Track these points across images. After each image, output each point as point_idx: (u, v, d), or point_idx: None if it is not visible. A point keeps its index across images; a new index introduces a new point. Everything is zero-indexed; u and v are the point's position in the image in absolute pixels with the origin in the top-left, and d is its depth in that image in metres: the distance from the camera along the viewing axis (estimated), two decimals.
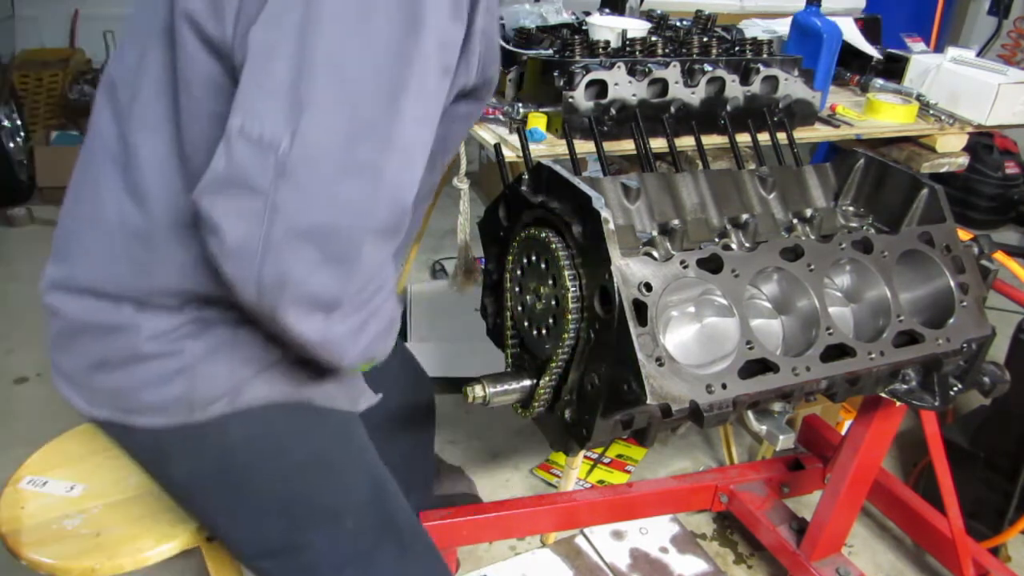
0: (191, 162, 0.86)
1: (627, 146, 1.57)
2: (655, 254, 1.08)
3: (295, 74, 0.74)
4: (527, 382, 1.19)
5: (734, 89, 1.64)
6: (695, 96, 1.61)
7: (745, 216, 1.18)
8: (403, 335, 2.46)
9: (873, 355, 1.14)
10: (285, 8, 0.75)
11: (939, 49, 2.64)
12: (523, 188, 1.19)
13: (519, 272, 1.20)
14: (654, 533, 1.97)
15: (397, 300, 0.97)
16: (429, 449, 1.74)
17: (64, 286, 0.96)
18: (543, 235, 1.11)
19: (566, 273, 1.06)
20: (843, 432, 2.01)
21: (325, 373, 1.02)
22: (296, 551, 1.07)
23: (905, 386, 1.26)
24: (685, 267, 1.05)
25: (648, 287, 1.00)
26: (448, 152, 1.08)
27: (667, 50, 1.68)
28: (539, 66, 1.60)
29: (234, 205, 0.74)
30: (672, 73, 1.58)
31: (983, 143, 3.67)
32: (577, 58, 1.58)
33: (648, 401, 0.96)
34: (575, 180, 1.08)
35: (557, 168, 1.13)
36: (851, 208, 1.39)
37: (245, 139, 0.74)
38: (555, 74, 1.55)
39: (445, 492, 1.91)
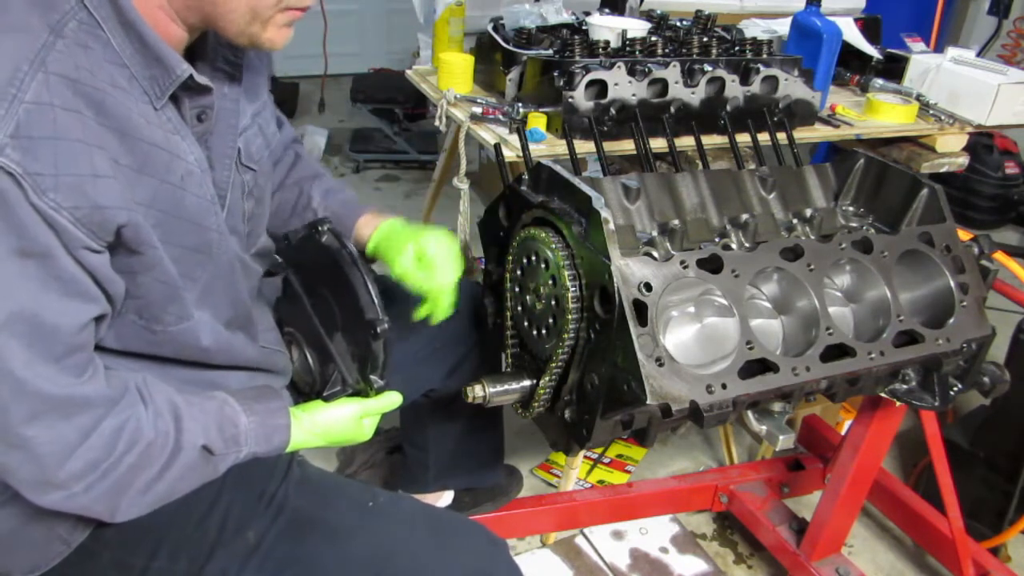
0: None
1: (627, 146, 1.57)
2: (655, 254, 1.08)
3: None
4: (527, 382, 1.19)
5: (734, 89, 1.64)
6: (695, 96, 1.61)
7: (745, 216, 1.18)
8: None
9: (873, 355, 1.14)
10: None
11: (939, 49, 2.65)
12: (523, 188, 1.19)
13: (519, 272, 1.20)
14: (654, 533, 1.97)
15: (176, 448, 0.93)
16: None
17: None
18: (543, 235, 1.11)
19: (566, 273, 1.06)
20: (843, 432, 2.01)
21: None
22: None
23: (905, 386, 1.26)
24: (685, 267, 1.05)
25: (648, 287, 1.00)
26: (172, 299, 0.96)
27: (667, 50, 1.68)
28: (539, 66, 1.60)
29: None
30: (672, 73, 1.58)
31: (983, 143, 3.66)
32: (577, 58, 1.58)
33: (648, 401, 0.96)
34: (575, 180, 1.08)
35: (557, 168, 1.13)
36: (851, 208, 1.39)
37: None
38: (555, 74, 1.55)
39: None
